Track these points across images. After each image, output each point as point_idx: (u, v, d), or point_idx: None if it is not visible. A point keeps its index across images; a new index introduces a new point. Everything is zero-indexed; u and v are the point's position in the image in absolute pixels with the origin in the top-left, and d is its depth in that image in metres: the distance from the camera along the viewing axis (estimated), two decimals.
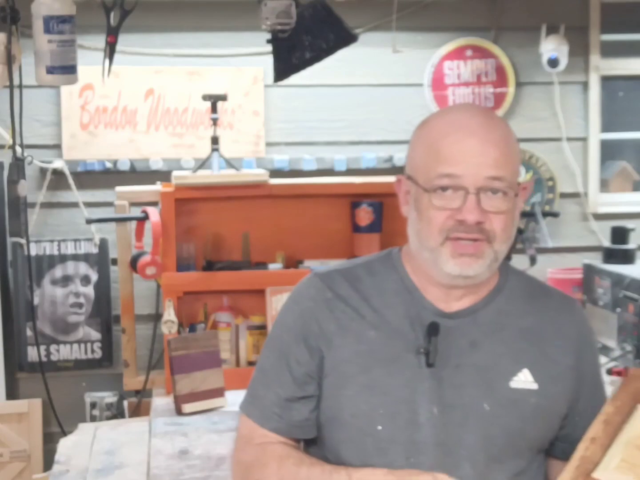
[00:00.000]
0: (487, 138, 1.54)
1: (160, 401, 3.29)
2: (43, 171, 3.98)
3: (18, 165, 3.01)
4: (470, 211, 1.51)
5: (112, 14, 3.02)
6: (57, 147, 4.01)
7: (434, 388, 1.53)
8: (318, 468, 1.57)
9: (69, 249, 4.01)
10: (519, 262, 3.53)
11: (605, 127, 4.28)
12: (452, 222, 1.53)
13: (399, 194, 1.65)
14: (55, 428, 3.90)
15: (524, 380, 1.60)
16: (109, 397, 3.99)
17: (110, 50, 3.07)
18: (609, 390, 1.69)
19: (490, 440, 1.56)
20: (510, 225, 1.56)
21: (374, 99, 4.12)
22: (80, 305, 4.02)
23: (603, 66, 4.25)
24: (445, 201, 1.53)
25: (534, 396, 1.60)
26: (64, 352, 4.03)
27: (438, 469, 1.52)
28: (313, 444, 1.69)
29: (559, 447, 1.69)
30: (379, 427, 1.56)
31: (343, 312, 1.61)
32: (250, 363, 3.48)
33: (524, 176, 4.26)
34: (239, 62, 4.06)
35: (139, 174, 4.00)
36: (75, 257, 4.01)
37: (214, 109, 3.50)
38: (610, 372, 3.19)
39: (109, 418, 3.88)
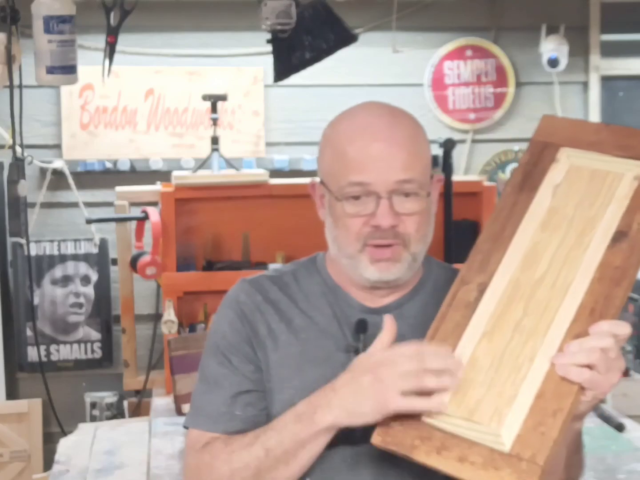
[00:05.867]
0: (393, 140, 1.53)
1: (160, 401, 3.29)
2: (43, 171, 3.98)
3: (18, 165, 3.01)
4: (383, 216, 1.51)
5: (112, 14, 3.02)
6: (57, 147, 4.01)
7: None
8: (264, 430, 1.49)
9: (69, 249, 4.01)
10: None
11: None
12: (368, 228, 1.52)
13: (315, 197, 1.64)
14: (55, 428, 3.90)
15: None
16: (109, 397, 3.99)
17: (110, 50, 3.07)
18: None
19: None
20: (425, 224, 1.55)
21: (374, 99, 4.12)
22: (80, 305, 4.02)
23: (603, 66, 4.25)
24: (358, 208, 1.53)
25: None
26: (64, 352, 4.04)
27: (374, 467, 1.51)
28: None
29: None
30: None
31: (273, 316, 1.60)
32: None
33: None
34: (239, 62, 4.06)
35: (139, 174, 4.00)
36: (75, 257, 4.01)
37: (214, 109, 3.50)
38: None
39: (109, 418, 3.88)
